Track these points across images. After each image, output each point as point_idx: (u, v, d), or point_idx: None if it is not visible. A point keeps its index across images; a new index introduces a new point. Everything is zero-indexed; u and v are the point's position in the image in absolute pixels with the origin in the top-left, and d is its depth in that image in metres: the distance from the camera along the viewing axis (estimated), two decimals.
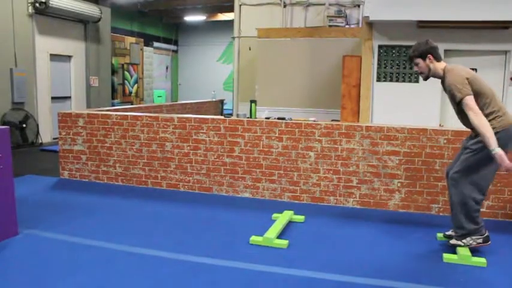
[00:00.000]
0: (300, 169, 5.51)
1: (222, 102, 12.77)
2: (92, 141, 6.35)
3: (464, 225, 3.94)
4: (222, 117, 5.84)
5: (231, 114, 12.08)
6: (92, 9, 12.40)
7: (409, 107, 7.57)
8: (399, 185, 5.28)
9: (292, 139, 5.49)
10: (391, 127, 5.25)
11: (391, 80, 7.71)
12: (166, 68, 24.19)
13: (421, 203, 5.24)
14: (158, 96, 19.81)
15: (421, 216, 5.15)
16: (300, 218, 4.88)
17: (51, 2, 10.64)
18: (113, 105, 14.43)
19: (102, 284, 3.27)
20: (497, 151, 3.54)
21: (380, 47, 7.68)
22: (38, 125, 10.91)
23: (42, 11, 10.76)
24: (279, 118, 5.61)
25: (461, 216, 3.93)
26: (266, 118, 5.72)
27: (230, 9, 17.75)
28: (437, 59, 3.99)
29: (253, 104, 5.94)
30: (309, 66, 9.75)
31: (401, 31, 7.47)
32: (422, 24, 7.26)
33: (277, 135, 5.53)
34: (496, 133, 3.64)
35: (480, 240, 3.96)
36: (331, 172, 5.43)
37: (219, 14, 21.22)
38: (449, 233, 4.25)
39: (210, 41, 24.46)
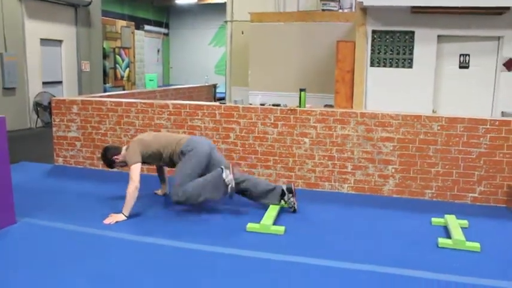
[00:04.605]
0: (295, 155, 5.54)
1: (215, 86, 12.73)
2: (87, 128, 6.33)
3: None
4: (218, 103, 5.83)
5: (224, 98, 12.09)
6: None
7: (403, 92, 7.58)
8: (393, 170, 5.34)
9: (288, 125, 5.51)
10: (385, 114, 5.29)
11: (384, 66, 7.71)
12: (158, 51, 24.00)
13: (414, 189, 5.31)
14: (150, 80, 19.68)
15: (415, 201, 5.22)
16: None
17: None
18: (105, 90, 14.34)
19: (104, 272, 3.30)
20: None
21: (374, 32, 7.65)
22: None
23: None
24: (274, 105, 5.62)
25: None
26: (261, 104, 5.72)
27: None
28: None
29: (302, 93, 5.70)
30: (302, 50, 9.72)
31: (395, 16, 7.45)
32: (416, 10, 7.24)
33: (272, 121, 5.54)
34: None
35: None
36: (326, 158, 5.47)
37: None
38: None
39: (202, 24, 24.24)
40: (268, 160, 5.63)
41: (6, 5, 10.15)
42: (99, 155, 5.17)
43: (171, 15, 24.77)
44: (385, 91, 7.70)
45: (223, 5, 17.28)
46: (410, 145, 5.24)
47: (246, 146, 5.67)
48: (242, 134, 5.66)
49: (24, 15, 10.75)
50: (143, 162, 4.64)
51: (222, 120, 5.71)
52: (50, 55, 11.86)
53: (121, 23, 16.29)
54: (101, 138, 6.26)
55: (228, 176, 4.36)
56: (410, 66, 7.64)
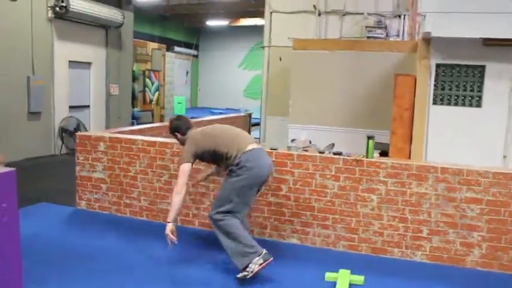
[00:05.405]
0: (359, 214, 4.65)
1: (250, 116, 11.97)
2: (114, 169, 5.56)
3: None
4: (268, 149, 4.98)
5: (259, 124, 11.27)
6: (114, 14, 11.70)
7: (470, 134, 6.65)
8: (480, 238, 4.40)
9: (352, 179, 4.63)
10: (472, 170, 4.38)
11: (449, 104, 6.81)
12: (187, 73, 23.55)
13: (506, 262, 4.35)
14: (178, 103, 19.09)
15: (507, 277, 4.27)
16: (359, 279, 4.03)
17: (71, 6, 9.95)
18: (133, 114, 13.71)
19: None
20: None
21: (438, 66, 6.78)
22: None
23: (62, 16, 10.08)
24: (335, 153, 4.75)
25: None
26: (320, 152, 4.86)
27: (253, 14, 17.01)
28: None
29: (370, 141, 4.73)
30: (350, 81, 8.86)
31: (463, 49, 6.56)
32: (489, 42, 6.37)
33: (333, 173, 4.67)
34: None
35: None
36: (397, 220, 4.57)
37: (241, 19, 20.54)
38: None
39: (231, 47, 23.85)
40: (326, 219, 4.74)
41: (36, 26, 9.60)
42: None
43: (202, 36, 24.38)
44: (448, 132, 6.78)
45: (254, 27, 16.62)
46: (503, 209, 4.31)
47: (301, 200, 4.79)
48: (296, 187, 4.79)
49: (53, 37, 10.20)
50: (201, 159, 4.25)
51: (273, 169, 4.87)
52: (78, 78, 11.27)
53: (152, 45, 15.74)
54: (130, 182, 5.49)
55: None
56: (479, 105, 6.71)
